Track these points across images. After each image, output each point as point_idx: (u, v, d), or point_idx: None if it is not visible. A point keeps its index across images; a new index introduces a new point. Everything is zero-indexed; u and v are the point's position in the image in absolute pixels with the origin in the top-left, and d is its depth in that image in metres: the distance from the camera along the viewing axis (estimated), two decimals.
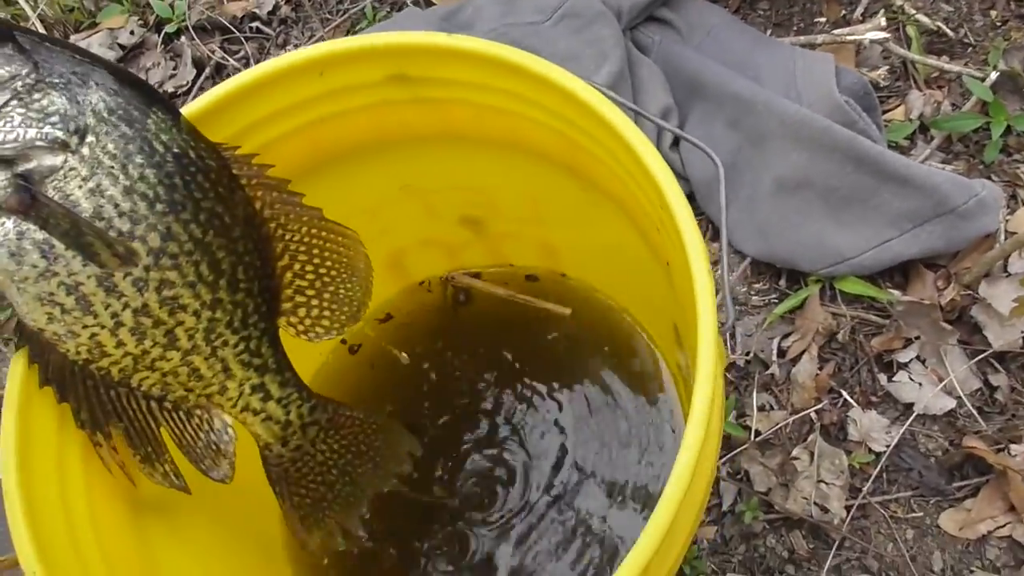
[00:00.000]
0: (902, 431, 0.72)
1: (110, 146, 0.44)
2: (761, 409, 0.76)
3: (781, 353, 0.78)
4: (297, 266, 0.52)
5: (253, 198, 0.50)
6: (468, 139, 0.62)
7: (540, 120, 0.55)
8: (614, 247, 0.65)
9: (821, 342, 0.76)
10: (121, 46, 1.11)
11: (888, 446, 0.71)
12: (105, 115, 0.44)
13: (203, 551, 0.62)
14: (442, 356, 0.78)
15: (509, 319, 0.78)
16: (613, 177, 0.54)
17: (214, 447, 0.52)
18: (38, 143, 0.42)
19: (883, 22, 0.91)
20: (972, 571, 0.67)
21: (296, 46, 1.10)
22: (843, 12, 0.97)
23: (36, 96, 0.42)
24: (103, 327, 0.46)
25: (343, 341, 0.79)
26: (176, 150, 0.46)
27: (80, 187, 0.43)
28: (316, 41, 1.09)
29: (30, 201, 0.42)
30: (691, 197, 0.90)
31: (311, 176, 0.63)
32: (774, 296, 0.82)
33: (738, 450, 0.73)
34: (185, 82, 1.09)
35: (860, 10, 0.96)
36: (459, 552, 0.69)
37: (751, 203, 0.85)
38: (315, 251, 0.52)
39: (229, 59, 1.10)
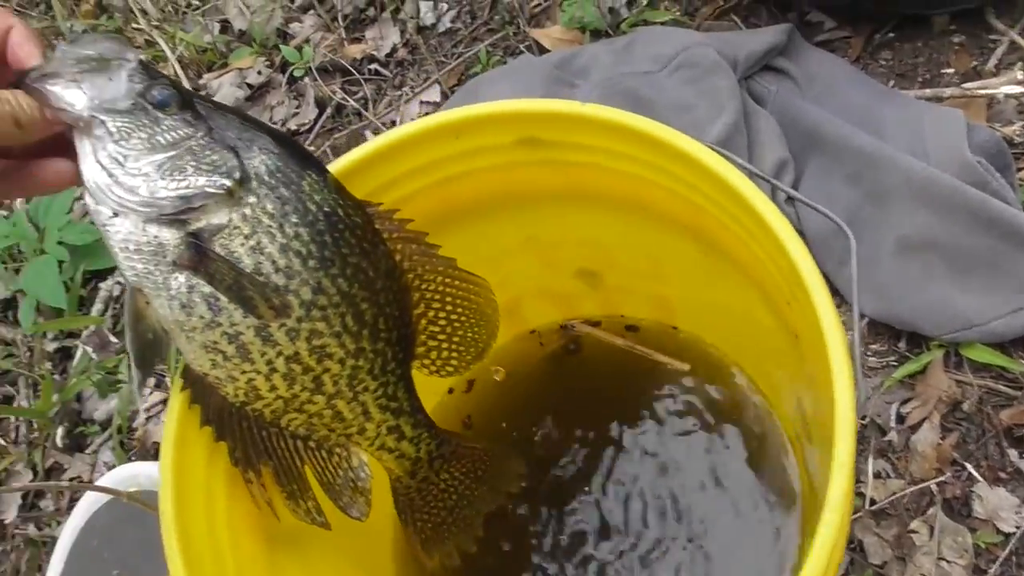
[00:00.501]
0: None
1: (269, 206, 0.48)
2: (877, 476, 0.75)
3: (900, 419, 0.76)
4: (431, 313, 0.56)
5: (394, 251, 0.54)
6: (592, 198, 0.64)
7: (666, 185, 0.57)
8: (733, 309, 0.65)
9: (944, 411, 0.75)
10: (249, 85, 1.18)
11: (1018, 527, 0.69)
12: (266, 178, 0.48)
13: None
14: (550, 406, 0.80)
15: (619, 370, 0.80)
16: (740, 245, 0.55)
17: (352, 484, 0.56)
18: (208, 189, 0.46)
19: (1020, 75, 0.89)
20: None
21: (412, 88, 1.15)
22: (973, 63, 0.95)
23: (207, 154, 0.47)
24: (259, 373, 0.50)
25: (450, 391, 0.82)
26: (327, 209, 0.50)
27: (242, 245, 0.47)
28: (431, 84, 1.14)
29: (200, 258, 0.46)
30: None
31: (440, 228, 0.65)
32: (893, 359, 0.81)
33: (852, 518, 0.72)
34: (307, 121, 1.15)
35: (993, 61, 0.94)
36: None
37: (870, 262, 0.84)
38: (448, 299, 0.56)
39: (349, 100, 1.15)
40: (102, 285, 1.16)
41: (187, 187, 0.46)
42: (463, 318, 0.57)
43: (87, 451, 1.09)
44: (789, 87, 0.98)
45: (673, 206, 0.59)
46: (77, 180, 0.49)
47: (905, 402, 0.76)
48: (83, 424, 1.10)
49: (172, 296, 0.47)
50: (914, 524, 0.70)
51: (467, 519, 0.63)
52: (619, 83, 0.97)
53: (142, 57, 0.48)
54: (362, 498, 0.55)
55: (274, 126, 0.50)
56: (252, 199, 0.47)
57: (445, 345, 0.58)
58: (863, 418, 0.76)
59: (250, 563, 0.57)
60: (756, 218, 0.49)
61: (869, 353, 0.81)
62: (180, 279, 0.47)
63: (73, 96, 0.45)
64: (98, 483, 0.94)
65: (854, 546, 0.71)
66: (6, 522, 1.10)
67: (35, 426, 1.12)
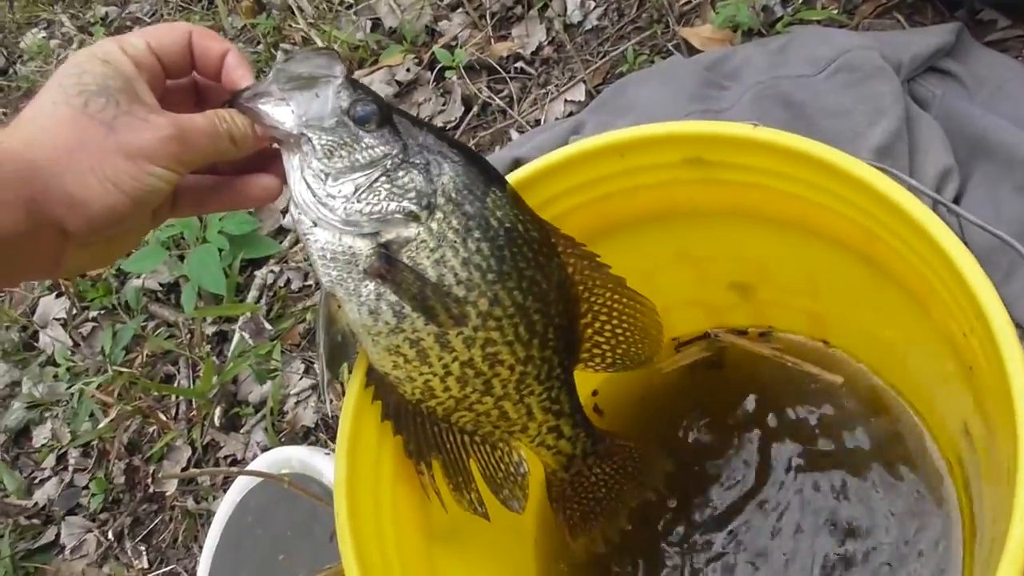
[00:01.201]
0: None
1: (454, 222, 0.53)
2: None
3: None
4: (597, 324, 0.61)
5: (566, 264, 0.58)
6: (753, 216, 0.66)
7: (835, 208, 0.58)
8: (895, 332, 0.66)
9: None
10: (398, 82, 1.24)
11: None
12: (453, 195, 0.53)
13: (475, 574, 0.71)
14: (694, 417, 0.81)
15: (763, 383, 0.80)
16: (912, 272, 0.55)
17: (512, 478, 0.62)
18: (396, 215, 0.51)
19: None
20: None
21: (557, 86, 1.18)
22: None
23: (400, 174, 0.52)
24: (435, 375, 0.55)
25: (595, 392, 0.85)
26: (507, 225, 0.54)
27: (428, 258, 0.52)
28: (576, 83, 1.16)
29: (389, 267, 0.52)
30: None
31: (595, 240, 0.68)
32: None
33: None
34: (454, 118, 1.20)
35: None
36: None
37: None
38: (615, 314, 0.61)
39: (495, 98, 1.19)
40: (257, 273, 1.26)
41: (380, 211, 0.51)
42: (628, 333, 0.62)
43: (241, 431, 1.19)
44: (956, 90, 0.96)
45: (840, 228, 0.60)
46: (277, 196, 0.54)
47: None
48: (238, 405, 1.19)
49: (362, 302, 0.53)
50: None
51: (613, 511, 0.68)
52: (772, 87, 0.96)
53: (347, 72, 0.52)
54: (520, 492, 0.61)
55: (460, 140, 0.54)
56: (439, 215, 0.52)
57: (609, 355, 0.63)
58: None
59: (412, 555, 0.63)
60: (935, 248, 0.50)
61: None
62: (370, 287, 0.52)
63: (282, 114, 0.51)
64: (253, 466, 1.02)
65: None
66: (167, 495, 1.21)
67: (194, 405, 1.22)
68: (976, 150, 0.90)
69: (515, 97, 1.20)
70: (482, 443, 0.60)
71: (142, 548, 1.20)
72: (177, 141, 0.47)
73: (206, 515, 1.16)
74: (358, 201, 0.51)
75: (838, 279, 0.67)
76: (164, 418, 1.24)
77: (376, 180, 0.51)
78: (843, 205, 0.57)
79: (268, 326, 1.21)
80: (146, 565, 1.18)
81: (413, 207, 0.52)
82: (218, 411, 1.19)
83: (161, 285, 1.34)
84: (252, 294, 1.25)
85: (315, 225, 0.51)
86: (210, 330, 1.27)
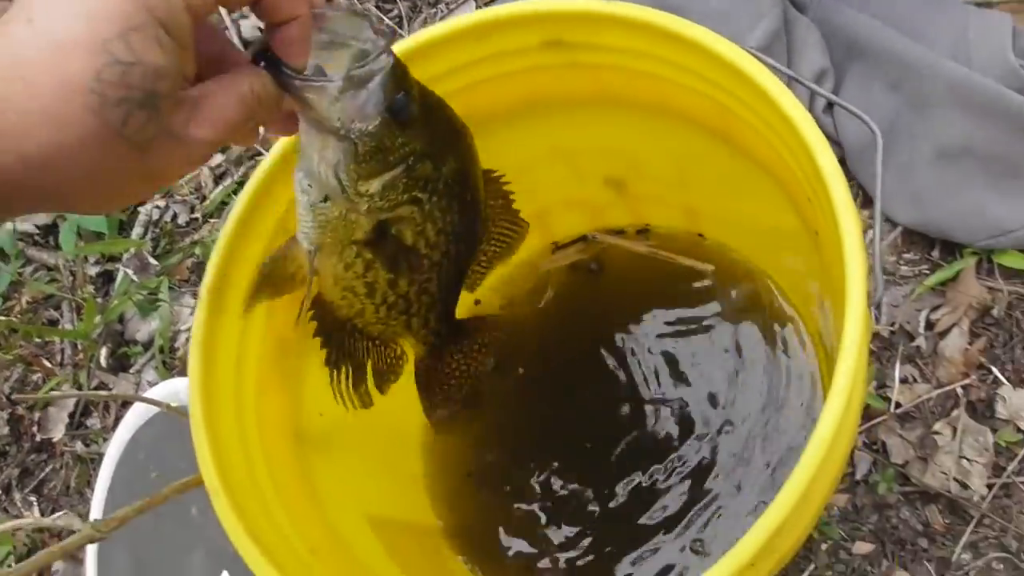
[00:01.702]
0: None
1: (443, 202, 0.56)
2: (903, 381, 0.79)
3: (929, 325, 0.80)
4: (486, 245, 0.66)
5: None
6: (619, 103, 0.67)
7: (693, 86, 0.60)
8: (759, 213, 0.69)
9: (973, 316, 0.78)
10: None
11: None
12: (451, 180, 0.55)
13: (352, 479, 0.73)
14: (576, 318, 0.84)
15: (644, 282, 0.83)
16: (765, 144, 0.58)
17: (393, 368, 0.67)
18: (405, 204, 0.54)
19: None
20: None
21: (447, 5, 1.17)
22: None
23: (418, 167, 0.53)
24: (374, 303, 0.60)
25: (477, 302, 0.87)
26: (476, 191, 0.59)
27: (412, 230, 0.56)
28: (466, 0, 1.15)
29: (379, 240, 0.55)
30: (843, 162, 0.92)
31: None
32: (925, 267, 0.83)
33: (876, 421, 0.76)
34: None
35: None
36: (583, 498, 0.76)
37: (907, 170, 0.86)
38: (500, 237, 0.67)
39: (384, 18, 1.17)
40: (141, 209, 1.23)
41: (395, 202, 0.53)
42: (502, 247, 0.67)
43: (131, 371, 1.16)
44: None
45: (700, 107, 0.62)
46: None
47: (935, 309, 0.80)
48: (126, 345, 1.17)
49: (341, 259, 0.56)
50: (937, 426, 0.74)
51: (465, 385, 0.74)
52: None
53: (392, 50, 0.49)
54: (394, 376, 0.67)
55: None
56: (435, 198, 0.55)
57: (483, 266, 0.68)
58: (892, 324, 0.79)
59: (280, 461, 0.65)
60: (777, 112, 0.52)
61: (902, 262, 0.84)
62: (354, 248, 0.56)
63: (332, 109, 0.47)
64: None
65: (877, 447, 0.75)
66: (54, 440, 1.19)
67: (79, 348, 1.19)
68: (851, 51, 0.94)
69: (404, 16, 1.19)
70: (378, 344, 0.65)
71: (32, 499, 1.18)
72: (203, 161, 0.42)
73: (98, 459, 1.14)
74: (381, 199, 0.53)
75: (704, 164, 0.69)
76: (48, 364, 1.21)
77: (398, 176, 0.52)
78: (698, 80, 0.59)
79: (154, 262, 1.18)
80: (38, 515, 1.16)
81: (419, 194, 0.54)
82: (104, 352, 1.17)
83: (38, 228, 1.30)
84: (137, 231, 1.22)
85: (326, 200, 0.52)
86: (93, 271, 1.24)
